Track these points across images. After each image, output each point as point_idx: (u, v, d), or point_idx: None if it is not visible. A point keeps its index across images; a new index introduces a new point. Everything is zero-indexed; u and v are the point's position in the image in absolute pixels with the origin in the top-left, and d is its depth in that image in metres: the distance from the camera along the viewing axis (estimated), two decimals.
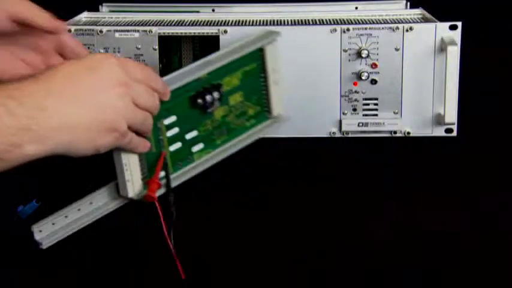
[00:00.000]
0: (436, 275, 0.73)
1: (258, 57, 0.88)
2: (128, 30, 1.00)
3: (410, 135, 1.00)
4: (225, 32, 0.98)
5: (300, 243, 0.79)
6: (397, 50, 0.98)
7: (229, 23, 1.02)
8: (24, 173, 0.64)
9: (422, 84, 0.99)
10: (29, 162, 0.58)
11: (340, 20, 1.03)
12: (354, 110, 1.00)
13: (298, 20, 1.03)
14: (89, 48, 0.99)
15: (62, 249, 0.76)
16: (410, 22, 1.01)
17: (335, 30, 0.98)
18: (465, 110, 0.99)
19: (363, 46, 0.98)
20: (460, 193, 0.88)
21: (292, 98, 0.99)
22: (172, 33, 1.00)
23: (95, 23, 1.04)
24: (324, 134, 1.01)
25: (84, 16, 1.09)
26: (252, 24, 1.02)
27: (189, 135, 0.80)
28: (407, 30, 0.98)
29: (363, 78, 0.98)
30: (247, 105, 0.88)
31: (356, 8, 1.10)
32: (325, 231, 0.81)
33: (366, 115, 1.00)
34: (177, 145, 0.79)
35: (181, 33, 1.00)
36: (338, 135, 1.00)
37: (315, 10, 1.09)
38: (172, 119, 0.77)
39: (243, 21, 1.03)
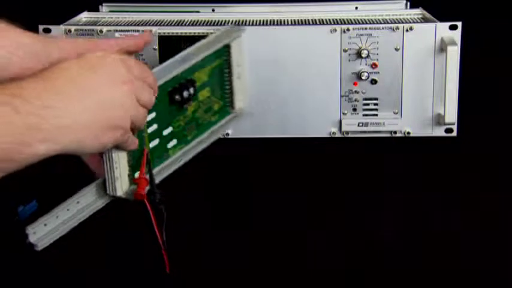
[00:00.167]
0: (436, 275, 0.73)
1: (224, 53, 0.89)
2: (127, 30, 1.00)
3: (410, 135, 1.00)
4: None
5: (299, 243, 0.79)
6: (397, 50, 0.98)
7: (229, 23, 1.02)
8: (24, 173, 0.64)
9: (422, 84, 0.99)
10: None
11: (340, 20, 1.03)
12: (354, 110, 1.00)
13: (298, 20, 1.03)
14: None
15: (61, 249, 0.76)
16: (410, 22, 1.00)
17: (335, 30, 0.98)
18: (465, 110, 0.99)
19: (363, 46, 0.98)
20: (460, 193, 0.88)
21: (292, 98, 0.99)
22: (172, 33, 0.99)
23: (95, 23, 1.04)
24: (324, 134, 1.00)
25: (84, 16, 1.09)
26: (252, 24, 1.02)
27: (165, 132, 0.80)
28: (407, 30, 0.97)
29: (363, 78, 0.98)
30: (213, 101, 0.89)
31: (356, 8, 1.10)
32: (325, 231, 0.81)
33: (366, 115, 1.00)
34: (156, 142, 0.79)
35: (181, 33, 0.99)
36: (338, 135, 1.00)
37: (315, 10, 1.08)
38: (153, 115, 0.77)
39: (243, 21, 1.03)
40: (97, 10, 1.12)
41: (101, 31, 0.99)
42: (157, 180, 0.77)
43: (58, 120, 0.58)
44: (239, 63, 0.91)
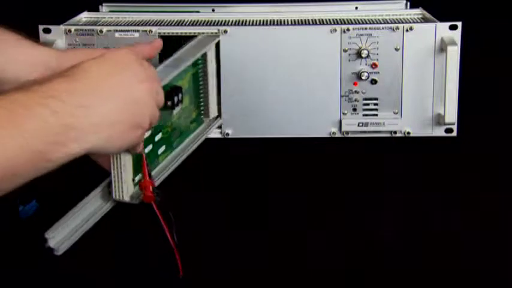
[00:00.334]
0: (436, 275, 0.73)
1: (200, 61, 0.91)
2: (128, 30, 1.00)
3: (410, 135, 1.00)
4: (225, 32, 0.98)
5: (299, 243, 0.79)
6: (397, 50, 0.98)
7: (229, 23, 1.02)
8: None
9: (422, 84, 0.99)
10: None
11: (340, 20, 1.03)
12: (354, 110, 1.00)
13: (298, 20, 1.03)
14: (88, 48, 0.99)
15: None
16: (410, 22, 1.00)
17: (335, 30, 0.98)
18: (465, 110, 0.99)
19: (363, 46, 0.98)
20: (460, 193, 0.88)
21: (292, 98, 0.99)
22: (172, 33, 1.00)
23: (95, 23, 1.04)
24: (324, 134, 1.01)
25: (84, 16, 1.09)
26: (252, 24, 1.02)
27: (156, 137, 0.80)
28: (407, 30, 0.98)
29: (363, 78, 0.98)
30: (191, 108, 0.90)
31: (356, 8, 1.10)
32: (325, 231, 0.81)
33: (366, 115, 1.00)
34: (150, 147, 0.79)
35: (181, 33, 1.00)
36: (338, 135, 1.00)
37: (315, 10, 1.09)
38: None
39: (243, 21, 1.03)
40: (97, 10, 1.12)
41: (101, 31, 0.99)
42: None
43: (90, 119, 0.59)
44: (213, 72, 0.93)
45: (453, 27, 0.97)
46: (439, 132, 1.00)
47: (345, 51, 0.98)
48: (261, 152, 0.98)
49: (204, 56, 0.92)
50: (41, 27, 0.99)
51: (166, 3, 1.12)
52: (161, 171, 0.81)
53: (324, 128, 1.00)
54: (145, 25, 1.02)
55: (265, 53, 0.98)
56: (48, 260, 0.75)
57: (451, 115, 0.97)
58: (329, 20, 1.03)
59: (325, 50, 0.98)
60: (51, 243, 0.69)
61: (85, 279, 0.74)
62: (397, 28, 0.97)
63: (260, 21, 1.03)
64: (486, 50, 1.20)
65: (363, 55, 0.98)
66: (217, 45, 0.98)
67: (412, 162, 0.96)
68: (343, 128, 1.00)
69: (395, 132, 1.00)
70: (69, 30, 0.99)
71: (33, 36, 0.83)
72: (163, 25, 1.02)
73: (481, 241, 0.78)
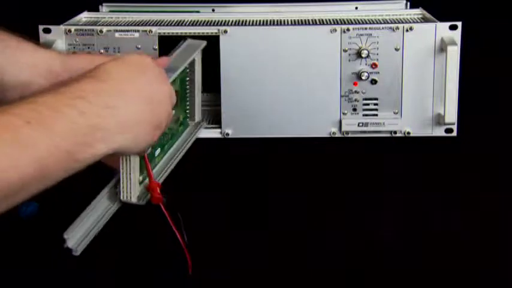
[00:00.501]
0: (436, 275, 0.73)
1: (188, 66, 0.91)
2: (128, 30, 1.00)
3: (410, 135, 1.00)
4: (225, 32, 0.98)
5: (299, 243, 0.79)
6: (397, 50, 0.98)
7: (229, 23, 1.02)
8: None
9: (422, 84, 0.99)
10: None
11: (340, 20, 1.03)
12: (354, 110, 1.00)
13: (298, 20, 1.03)
14: (88, 48, 0.99)
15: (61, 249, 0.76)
16: (410, 22, 1.00)
17: (335, 30, 0.98)
18: (465, 110, 0.99)
19: (363, 46, 0.98)
20: (460, 193, 0.88)
21: (292, 98, 0.99)
22: (172, 33, 1.00)
23: (95, 23, 1.04)
24: (324, 134, 1.01)
25: (84, 16, 1.09)
26: (252, 24, 1.02)
27: None
28: (407, 30, 0.98)
29: (363, 78, 0.98)
30: (179, 112, 0.90)
31: (356, 8, 1.10)
32: (325, 231, 0.81)
33: (366, 115, 1.00)
34: (149, 149, 0.79)
35: (181, 33, 1.00)
36: (338, 135, 1.00)
37: (315, 10, 1.09)
38: None
39: (243, 21, 1.03)
40: (97, 10, 1.12)
41: (101, 31, 0.99)
42: None
43: (116, 119, 0.60)
44: (199, 77, 0.94)
45: (453, 27, 0.97)
46: (439, 132, 1.00)
47: (345, 51, 0.98)
48: (261, 152, 0.98)
49: (192, 61, 0.92)
50: (41, 27, 0.99)
51: (166, 3, 1.12)
52: (159, 173, 0.81)
53: (324, 128, 1.00)
54: (145, 25, 1.02)
55: (265, 53, 0.98)
56: (47, 259, 0.75)
57: (451, 115, 0.97)
58: (329, 20, 1.03)
59: (325, 50, 0.98)
60: (70, 243, 0.69)
61: (88, 279, 0.74)
62: (397, 28, 0.97)
63: (260, 21, 1.03)
64: (486, 50, 1.20)
65: (363, 55, 0.98)
66: (218, 46, 0.98)
67: (412, 162, 0.96)
68: (343, 128, 1.00)
69: (395, 132, 1.00)
70: (69, 30, 0.99)
71: (33, 36, 0.83)
72: (163, 25, 1.02)
73: (481, 241, 0.78)
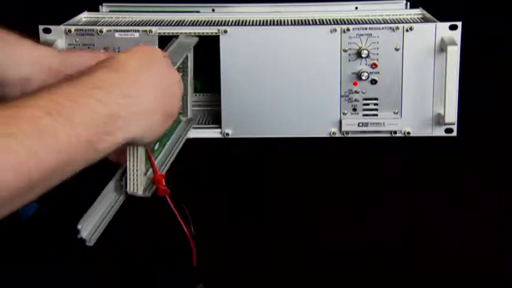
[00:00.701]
0: (436, 275, 0.73)
1: (182, 63, 0.91)
2: (128, 30, 1.00)
3: (410, 135, 1.00)
4: (225, 32, 0.98)
5: (299, 243, 0.79)
6: (397, 50, 0.98)
7: (229, 23, 1.02)
8: None
9: (422, 84, 0.99)
10: None
11: (340, 20, 1.03)
12: (354, 110, 1.00)
13: (298, 20, 1.03)
14: (88, 48, 0.99)
15: (61, 249, 0.76)
16: (410, 22, 1.00)
17: (335, 30, 0.98)
18: (465, 110, 0.99)
19: (363, 46, 0.98)
20: (460, 193, 0.88)
21: (292, 98, 0.99)
22: (172, 33, 1.00)
23: (95, 23, 1.04)
24: (324, 134, 1.01)
25: (84, 16, 1.09)
26: (252, 24, 1.02)
27: None
28: (407, 30, 0.98)
29: (363, 78, 0.98)
30: None
31: (356, 8, 1.10)
32: (325, 231, 0.81)
33: (366, 115, 1.00)
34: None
35: (181, 33, 1.00)
36: (338, 135, 1.00)
37: (315, 10, 1.09)
38: None
39: (243, 21, 1.03)
40: (97, 10, 1.12)
41: (101, 31, 0.99)
42: None
43: (133, 108, 0.61)
44: (191, 73, 0.95)
45: (453, 27, 0.97)
46: (439, 132, 1.00)
47: (345, 51, 0.98)
48: (261, 152, 0.98)
49: (185, 57, 0.92)
50: (41, 27, 0.99)
51: (166, 3, 1.12)
52: (158, 168, 0.81)
53: (324, 128, 1.00)
54: (145, 25, 1.02)
55: (265, 53, 0.98)
56: (47, 259, 0.75)
57: (451, 115, 0.97)
58: (329, 20, 1.03)
59: (325, 50, 0.98)
60: (83, 234, 0.70)
61: (89, 279, 0.74)
62: (397, 28, 0.97)
63: (260, 21, 1.03)
64: (486, 50, 1.20)
65: (363, 55, 0.98)
66: (218, 46, 0.98)
67: (412, 162, 0.96)
68: (343, 128, 1.00)
69: (395, 132, 1.00)
70: (69, 30, 0.99)
71: (33, 36, 0.83)
72: (163, 25, 1.02)
73: (481, 241, 0.78)
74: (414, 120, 1.00)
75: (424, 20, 1.03)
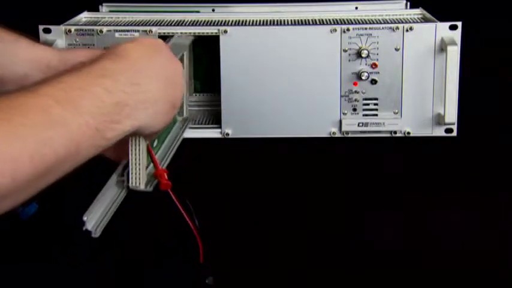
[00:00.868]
0: (436, 275, 0.73)
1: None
2: (127, 30, 1.00)
3: (410, 135, 1.00)
4: (225, 32, 0.98)
5: (300, 243, 0.79)
6: (397, 50, 0.98)
7: (229, 23, 1.02)
8: None
9: (422, 84, 0.99)
10: None
11: (340, 20, 1.03)
12: (354, 110, 1.00)
13: (298, 20, 1.03)
14: (88, 48, 0.99)
15: (61, 248, 0.76)
16: (410, 22, 1.00)
17: (335, 30, 0.98)
18: (465, 110, 0.99)
19: (363, 46, 0.98)
20: (460, 193, 0.88)
21: (292, 98, 0.99)
22: (172, 33, 1.00)
23: (95, 23, 1.04)
24: (324, 134, 1.01)
25: (84, 16, 1.09)
26: (252, 24, 1.02)
27: None
28: (407, 30, 0.97)
29: (363, 78, 0.98)
30: None
31: (356, 8, 1.10)
32: (325, 231, 0.81)
33: (366, 115, 1.00)
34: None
35: (181, 33, 1.00)
36: (338, 135, 1.00)
37: (315, 10, 1.09)
38: None
39: (243, 21, 1.03)
40: (97, 10, 1.12)
41: (101, 31, 0.99)
42: None
43: (139, 95, 0.61)
44: (187, 72, 0.95)
45: (453, 27, 0.97)
46: (439, 132, 1.00)
47: (345, 51, 0.98)
48: (261, 152, 0.98)
49: (183, 56, 0.92)
50: (41, 27, 0.99)
51: (166, 3, 1.12)
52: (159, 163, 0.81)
53: (324, 128, 1.00)
54: (145, 25, 1.02)
55: (265, 53, 0.98)
56: (47, 258, 0.75)
57: (451, 115, 0.97)
58: (329, 20, 1.03)
59: (325, 50, 0.98)
60: (89, 225, 0.70)
61: (90, 279, 0.74)
62: (397, 28, 0.97)
63: (260, 21, 1.03)
64: (486, 50, 1.20)
65: (363, 55, 0.98)
66: (218, 46, 0.98)
67: (412, 162, 0.96)
68: (343, 128, 1.00)
69: (395, 132, 1.00)
70: (69, 30, 0.99)
71: (33, 36, 0.83)
72: (163, 25, 1.02)
73: (481, 241, 0.78)
74: (414, 120, 1.00)
75: (424, 20, 1.03)
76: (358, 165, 0.95)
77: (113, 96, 0.58)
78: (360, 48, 0.98)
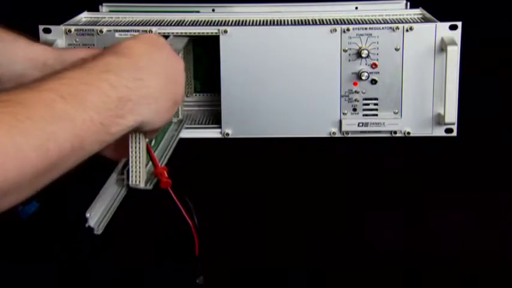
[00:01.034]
0: (436, 275, 0.73)
1: None
2: (127, 30, 1.00)
3: (410, 135, 1.00)
4: (225, 32, 0.98)
5: (300, 243, 0.79)
6: (397, 50, 0.98)
7: (229, 23, 1.02)
8: None
9: (422, 84, 0.99)
10: None
11: (340, 20, 1.03)
12: (354, 110, 1.00)
13: (298, 20, 1.03)
14: (88, 48, 0.99)
15: (61, 248, 0.76)
16: (410, 22, 1.00)
17: (335, 30, 0.98)
18: (465, 110, 0.99)
19: (363, 46, 0.98)
20: (460, 193, 0.88)
21: (292, 98, 0.99)
22: (172, 33, 1.00)
23: (95, 23, 1.04)
24: (324, 134, 1.01)
25: (84, 16, 1.09)
26: (252, 24, 1.02)
27: None
28: (407, 30, 0.98)
29: (363, 78, 0.98)
30: None
31: (356, 8, 1.10)
32: (325, 231, 0.81)
33: (366, 115, 1.00)
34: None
35: (181, 33, 1.00)
36: (338, 135, 1.00)
37: (315, 10, 1.09)
38: None
39: (243, 21, 1.03)
40: (97, 10, 1.12)
41: (101, 31, 0.99)
42: None
43: (142, 91, 0.62)
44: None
45: (453, 27, 0.97)
46: (439, 132, 1.00)
47: (345, 51, 0.98)
48: (261, 152, 0.98)
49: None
50: (41, 27, 0.99)
51: (166, 3, 1.12)
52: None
53: (324, 128, 1.00)
54: (145, 25, 1.02)
55: (265, 53, 0.98)
56: (47, 257, 0.75)
57: (451, 115, 0.97)
58: (329, 20, 1.03)
59: (325, 50, 0.98)
60: (91, 222, 0.70)
61: (90, 279, 0.74)
62: (397, 28, 0.97)
63: (260, 21, 1.03)
64: (486, 50, 1.20)
65: (363, 55, 0.98)
66: (218, 46, 0.98)
67: (412, 162, 0.96)
68: (343, 128, 1.00)
69: (395, 132, 1.00)
70: (69, 30, 0.99)
71: (33, 36, 0.83)
72: (163, 25, 1.02)
73: (481, 241, 0.78)
74: (414, 120, 1.00)
75: (424, 20, 1.03)
76: (358, 165, 0.95)
77: (117, 91, 0.58)
78: (360, 48, 0.98)
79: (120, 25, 1.02)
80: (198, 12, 1.11)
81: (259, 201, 0.87)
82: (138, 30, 0.99)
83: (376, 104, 1.00)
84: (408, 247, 0.77)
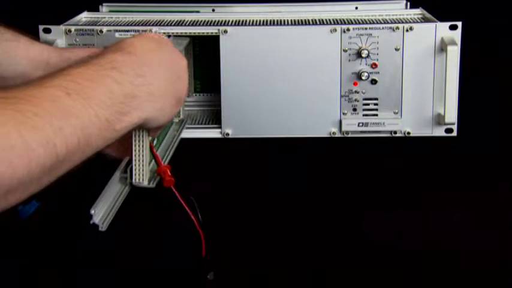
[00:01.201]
0: (436, 275, 0.73)
1: None
2: (127, 30, 1.00)
3: (410, 135, 1.00)
4: (225, 32, 0.98)
5: (300, 243, 0.79)
6: (397, 50, 0.98)
7: (229, 23, 1.02)
8: None
9: (422, 84, 0.99)
10: None
11: (340, 20, 1.03)
12: (354, 110, 1.00)
13: (298, 20, 1.03)
14: (88, 47, 0.99)
15: (62, 248, 0.76)
16: (410, 22, 1.00)
17: (335, 30, 0.98)
18: (465, 110, 0.99)
19: (363, 46, 0.98)
20: (460, 193, 0.88)
21: (292, 98, 0.99)
22: (172, 33, 1.00)
23: (95, 23, 1.04)
24: (324, 134, 1.01)
25: (84, 16, 1.09)
26: (252, 24, 1.02)
27: None
28: (407, 30, 0.98)
29: (363, 78, 0.98)
30: None
31: (356, 8, 1.10)
32: (325, 231, 0.81)
33: (366, 115, 1.00)
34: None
35: (181, 33, 1.00)
36: (338, 135, 1.00)
37: (315, 10, 1.09)
38: None
39: (243, 21, 1.03)
40: (97, 10, 1.12)
41: (101, 31, 0.99)
42: None
43: (147, 87, 0.62)
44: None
45: (453, 27, 0.97)
46: (439, 132, 1.00)
47: (345, 51, 0.98)
48: (261, 152, 0.98)
49: None
50: (41, 27, 0.99)
51: (166, 3, 1.12)
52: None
53: (324, 128, 1.00)
54: (145, 25, 1.02)
55: (265, 53, 0.98)
56: (46, 259, 0.75)
57: (451, 115, 0.97)
58: (329, 20, 1.03)
59: (325, 50, 0.98)
60: (96, 219, 0.70)
61: (90, 278, 0.74)
62: (397, 28, 0.97)
63: (260, 21, 1.03)
64: (486, 50, 1.20)
65: (363, 55, 0.98)
66: (217, 45, 0.98)
67: (412, 162, 0.96)
68: (343, 128, 1.00)
69: (395, 132, 1.00)
70: (69, 30, 0.99)
71: (33, 35, 0.83)
72: (163, 25, 1.02)
73: (481, 241, 0.78)
74: (414, 120, 1.00)
75: (424, 20, 1.03)
76: (358, 165, 0.95)
77: (122, 88, 0.59)
78: (360, 48, 0.98)
79: (120, 25, 1.02)
80: (198, 12, 1.11)
81: (259, 201, 0.87)
82: (138, 30, 0.99)
83: (376, 104, 1.00)
84: (408, 247, 0.77)
